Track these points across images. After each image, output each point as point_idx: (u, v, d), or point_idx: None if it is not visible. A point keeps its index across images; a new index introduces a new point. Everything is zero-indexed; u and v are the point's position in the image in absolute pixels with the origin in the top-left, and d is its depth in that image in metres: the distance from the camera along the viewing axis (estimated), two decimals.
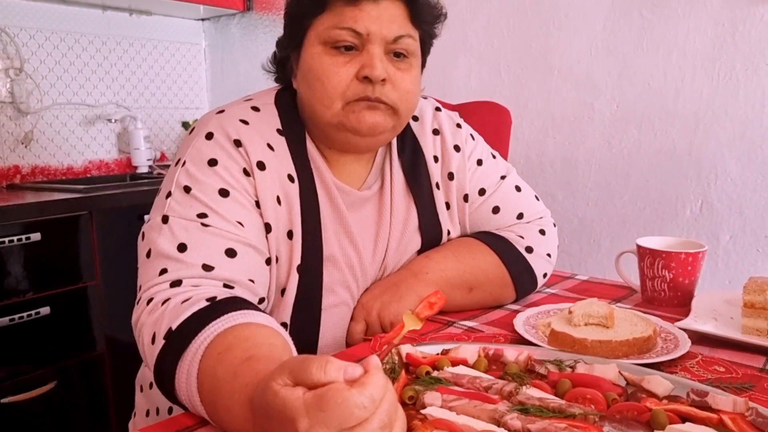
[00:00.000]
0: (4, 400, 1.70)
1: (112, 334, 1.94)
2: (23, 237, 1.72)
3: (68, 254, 1.84)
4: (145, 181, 2.32)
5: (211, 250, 0.76)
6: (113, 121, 2.57)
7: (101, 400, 1.94)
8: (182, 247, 0.76)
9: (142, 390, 0.98)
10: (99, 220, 1.90)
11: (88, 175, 2.52)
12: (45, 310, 1.77)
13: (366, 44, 0.82)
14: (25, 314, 1.73)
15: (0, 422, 1.71)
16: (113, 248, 1.93)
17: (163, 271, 0.75)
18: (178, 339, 0.67)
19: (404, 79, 0.85)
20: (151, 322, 0.71)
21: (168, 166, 2.54)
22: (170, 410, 0.90)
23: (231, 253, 0.77)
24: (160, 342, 0.68)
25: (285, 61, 0.92)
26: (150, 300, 0.73)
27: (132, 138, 2.57)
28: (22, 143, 2.32)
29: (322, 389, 0.44)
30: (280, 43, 0.94)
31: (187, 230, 0.77)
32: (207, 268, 0.75)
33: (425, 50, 0.92)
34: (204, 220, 0.77)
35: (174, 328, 0.67)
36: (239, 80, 2.80)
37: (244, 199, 0.81)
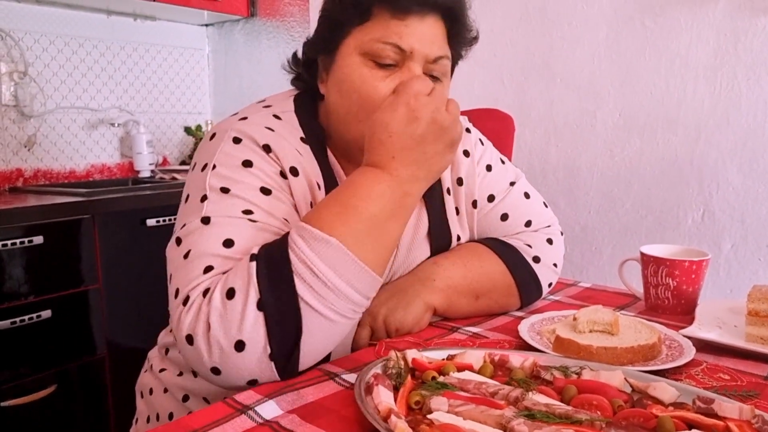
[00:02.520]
0: (5, 404, 1.70)
1: (113, 338, 1.94)
2: (25, 240, 1.72)
3: (70, 258, 1.84)
4: (147, 185, 2.32)
5: (260, 244, 0.71)
6: (116, 125, 2.58)
7: (101, 404, 1.94)
8: (229, 243, 0.71)
9: (142, 396, 0.97)
10: (101, 224, 1.90)
11: (91, 179, 2.52)
12: (46, 314, 1.77)
13: (407, 61, 0.80)
14: (26, 317, 1.73)
15: (0, 425, 1.71)
16: (115, 252, 1.93)
17: (209, 269, 0.70)
18: (267, 247, 0.69)
19: None
20: (208, 300, 0.67)
21: (170, 171, 2.55)
22: (171, 416, 0.90)
23: None
24: (249, 267, 0.66)
25: (311, 63, 0.90)
26: (186, 300, 0.69)
27: (135, 142, 2.57)
28: (25, 146, 2.33)
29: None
30: (310, 45, 0.90)
31: (234, 226, 0.73)
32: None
33: (452, 71, 0.90)
34: (251, 216, 0.74)
35: (256, 252, 0.68)
36: (242, 86, 2.81)
37: (285, 198, 0.79)
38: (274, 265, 0.67)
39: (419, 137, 0.72)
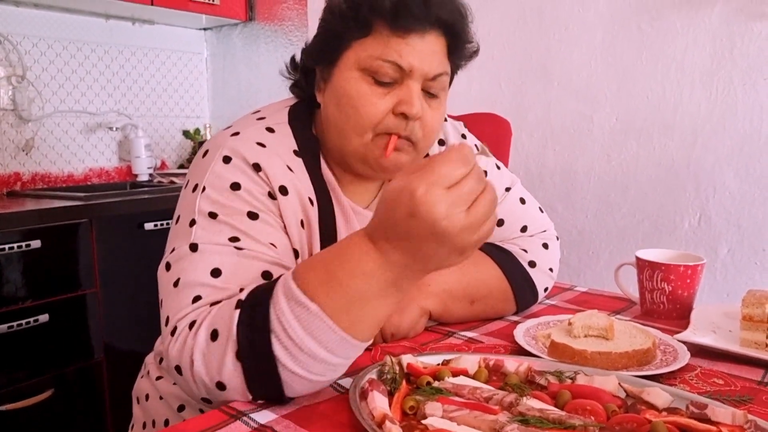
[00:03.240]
0: (2, 408, 1.69)
1: (110, 342, 1.94)
2: (23, 244, 1.72)
3: (68, 262, 1.84)
4: (146, 189, 2.32)
5: (249, 274, 0.72)
6: (114, 129, 2.58)
7: (99, 408, 1.94)
8: (216, 273, 0.72)
9: (138, 402, 0.97)
10: (99, 228, 1.90)
11: (89, 183, 2.52)
12: (44, 318, 1.77)
13: (405, 79, 0.79)
14: (23, 321, 1.72)
15: None
16: (113, 256, 1.93)
17: (197, 299, 0.71)
18: (253, 296, 0.66)
19: (433, 117, 0.84)
20: (194, 334, 0.67)
21: (168, 174, 2.55)
22: (166, 423, 0.90)
23: (267, 276, 0.73)
24: (233, 313, 0.65)
25: (309, 71, 0.89)
26: (174, 330, 0.70)
27: (133, 146, 2.58)
28: (23, 150, 2.33)
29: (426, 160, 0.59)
30: (308, 54, 0.89)
31: (221, 255, 0.73)
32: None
33: (450, 82, 0.90)
34: (237, 244, 0.74)
35: (243, 298, 0.66)
36: (240, 89, 2.81)
37: (273, 220, 0.78)
38: (254, 318, 0.65)
39: (414, 235, 0.59)
